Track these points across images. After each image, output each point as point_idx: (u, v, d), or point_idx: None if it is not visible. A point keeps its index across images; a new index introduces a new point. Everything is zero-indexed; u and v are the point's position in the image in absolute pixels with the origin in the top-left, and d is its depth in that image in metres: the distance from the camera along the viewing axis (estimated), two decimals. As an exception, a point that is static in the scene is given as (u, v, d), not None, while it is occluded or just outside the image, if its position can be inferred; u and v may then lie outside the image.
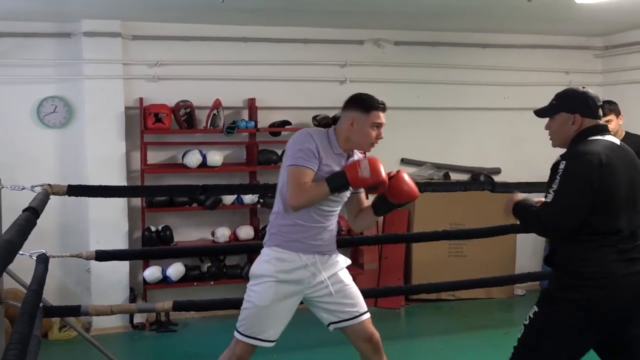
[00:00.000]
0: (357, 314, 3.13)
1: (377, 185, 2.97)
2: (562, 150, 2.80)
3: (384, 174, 2.93)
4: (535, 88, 6.42)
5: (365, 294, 5.14)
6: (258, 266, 3.11)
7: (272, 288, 3.01)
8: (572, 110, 2.73)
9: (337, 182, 2.89)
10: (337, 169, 2.98)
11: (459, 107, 6.39)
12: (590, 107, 2.73)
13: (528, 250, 6.54)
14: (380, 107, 3.04)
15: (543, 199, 2.73)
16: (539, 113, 2.88)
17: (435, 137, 6.40)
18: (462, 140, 6.48)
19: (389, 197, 3.06)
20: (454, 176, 6.38)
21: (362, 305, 3.18)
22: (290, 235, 3.04)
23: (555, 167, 2.63)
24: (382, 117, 3.05)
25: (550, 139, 2.85)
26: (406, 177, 3.07)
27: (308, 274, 3.04)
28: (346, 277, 3.18)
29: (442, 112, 6.37)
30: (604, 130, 2.74)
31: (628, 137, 4.97)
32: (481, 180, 6.18)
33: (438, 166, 6.28)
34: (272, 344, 3.07)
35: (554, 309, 2.69)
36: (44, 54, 5.41)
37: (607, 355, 2.83)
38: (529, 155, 6.42)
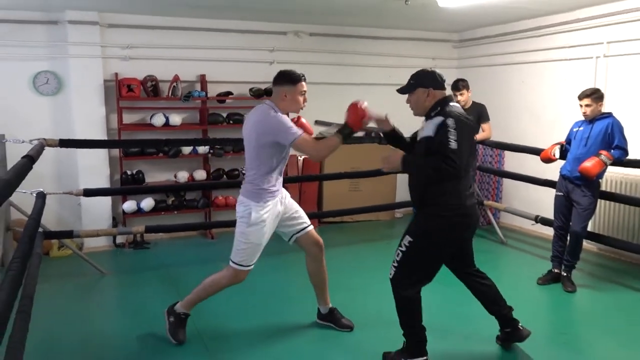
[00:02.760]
0: (307, 225, 3.22)
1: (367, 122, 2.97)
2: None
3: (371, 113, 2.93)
4: (410, 69, 6.41)
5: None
6: (257, 214, 2.96)
7: (266, 228, 3.01)
8: (427, 85, 2.72)
9: (347, 131, 2.88)
10: None
11: (357, 82, 6.41)
12: (439, 82, 2.74)
13: (404, 186, 6.62)
14: (303, 78, 3.00)
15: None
16: (402, 91, 2.82)
17: (340, 104, 6.23)
18: (358, 107, 6.52)
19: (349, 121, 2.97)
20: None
21: (308, 220, 3.25)
22: (270, 188, 2.99)
23: (444, 125, 2.56)
24: (305, 85, 3.01)
25: (412, 109, 2.83)
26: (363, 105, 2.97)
27: (279, 211, 3.08)
28: (293, 202, 3.22)
29: (345, 86, 6.39)
30: (452, 99, 2.78)
31: (474, 105, 5.16)
32: (372, 136, 6.26)
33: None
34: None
35: (428, 233, 2.71)
36: (36, 37, 5.06)
37: (451, 265, 2.99)
38: (405, 119, 6.54)
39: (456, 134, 2.52)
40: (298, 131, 2.85)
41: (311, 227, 3.24)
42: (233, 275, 3.04)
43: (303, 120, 3.19)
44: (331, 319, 3.40)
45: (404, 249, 2.73)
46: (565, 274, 4.14)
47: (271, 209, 3.01)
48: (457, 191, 2.66)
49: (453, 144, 2.50)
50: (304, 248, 3.26)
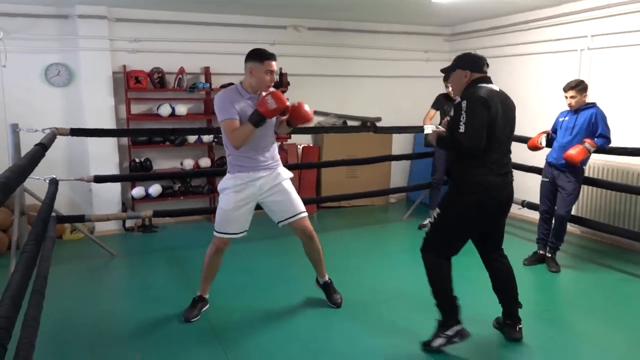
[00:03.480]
0: (296, 213, 3.11)
1: (284, 110, 2.86)
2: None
3: (286, 102, 2.81)
4: (404, 62, 6.51)
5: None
6: (222, 183, 3.06)
7: (232, 196, 2.98)
8: (464, 67, 2.68)
9: (256, 118, 2.78)
10: (251, 109, 2.86)
11: (353, 74, 6.37)
12: (478, 64, 2.68)
13: (398, 172, 6.74)
14: (272, 57, 2.88)
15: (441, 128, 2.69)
16: (444, 71, 2.78)
17: (337, 95, 6.40)
18: (355, 97, 6.49)
19: (291, 120, 3.00)
20: (350, 122, 6.40)
21: (300, 207, 3.13)
22: (241, 163, 2.98)
23: (459, 106, 2.55)
24: (273, 65, 2.88)
25: (451, 89, 2.75)
26: (305, 107, 2.97)
27: (258, 185, 3.00)
28: (289, 186, 3.12)
29: (342, 78, 6.35)
30: (488, 80, 2.68)
31: (465, 95, 5.14)
32: (368, 125, 6.26)
33: (339, 116, 6.32)
34: (240, 235, 3.06)
35: (454, 207, 2.67)
36: (48, 31, 5.00)
37: (479, 242, 2.89)
38: (399, 108, 6.55)
39: (465, 117, 2.50)
40: (227, 115, 2.82)
41: (300, 217, 3.12)
42: (212, 242, 3.09)
43: (268, 94, 2.86)
44: (325, 290, 3.41)
45: (432, 220, 2.74)
46: (550, 255, 4.15)
47: (237, 180, 2.98)
48: (479, 170, 2.58)
49: (461, 128, 2.50)
50: (295, 233, 3.23)
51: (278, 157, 3.15)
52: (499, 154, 2.61)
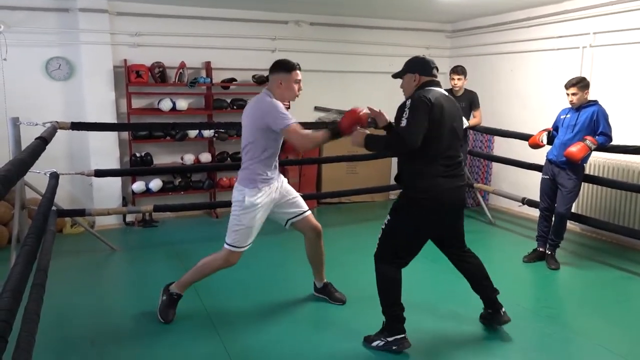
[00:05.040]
0: (304, 210, 3.17)
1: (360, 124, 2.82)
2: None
3: (363, 118, 2.78)
4: (406, 58, 6.35)
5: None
6: (251, 199, 2.92)
7: (259, 213, 2.95)
8: (413, 70, 2.70)
9: (334, 133, 2.77)
10: None
11: (355, 70, 6.36)
12: (426, 68, 2.69)
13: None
14: (298, 67, 2.95)
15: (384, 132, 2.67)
16: (395, 76, 2.81)
17: (339, 91, 6.38)
18: (357, 93, 6.46)
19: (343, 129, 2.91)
20: (350, 118, 6.40)
21: (305, 205, 3.20)
22: (267, 175, 2.94)
23: (402, 106, 2.58)
24: (300, 74, 2.95)
25: (403, 93, 2.78)
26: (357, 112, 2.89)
27: (273, 196, 3.01)
28: (290, 188, 3.18)
29: (343, 74, 6.33)
30: (437, 84, 2.68)
31: (466, 92, 5.15)
32: (369, 121, 6.23)
33: (340, 112, 6.30)
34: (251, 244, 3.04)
35: (405, 215, 2.67)
36: (49, 24, 4.98)
37: (440, 245, 2.94)
38: (397, 104, 6.51)
39: (408, 113, 2.51)
40: (291, 120, 2.79)
41: (308, 213, 3.18)
42: (226, 257, 2.99)
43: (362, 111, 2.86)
44: (325, 293, 3.42)
45: (384, 226, 2.74)
46: (549, 253, 4.15)
47: (264, 195, 2.95)
48: (429, 173, 2.58)
49: (403, 122, 2.51)
50: (302, 232, 3.24)
51: None
52: (447, 159, 2.61)
